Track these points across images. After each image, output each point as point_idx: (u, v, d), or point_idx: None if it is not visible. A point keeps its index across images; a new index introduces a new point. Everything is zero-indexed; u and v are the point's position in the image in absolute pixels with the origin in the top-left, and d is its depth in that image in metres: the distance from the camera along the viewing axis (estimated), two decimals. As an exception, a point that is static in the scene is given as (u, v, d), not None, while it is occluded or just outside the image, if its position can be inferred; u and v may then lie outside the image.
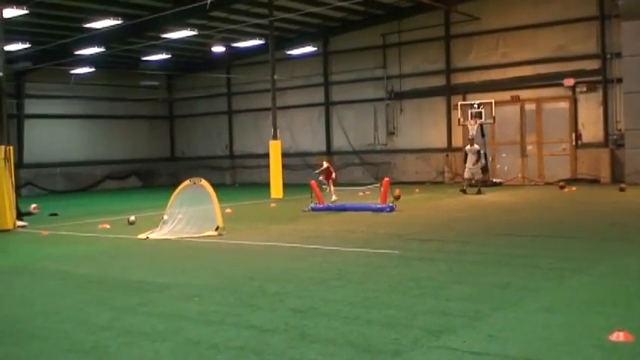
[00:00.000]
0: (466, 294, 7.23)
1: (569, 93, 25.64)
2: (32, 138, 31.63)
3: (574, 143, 25.57)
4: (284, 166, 24.74)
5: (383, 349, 5.37)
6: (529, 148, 26.65)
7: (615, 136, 24.53)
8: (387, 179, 17.90)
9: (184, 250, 11.67)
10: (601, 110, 25.01)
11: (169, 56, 30.00)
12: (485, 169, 25.64)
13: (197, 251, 11.45)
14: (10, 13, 19.14)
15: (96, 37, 24.45)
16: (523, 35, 26.48)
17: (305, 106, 32.81)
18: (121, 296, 7.88)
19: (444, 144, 28.56)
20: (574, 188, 22.47)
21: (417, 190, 24.17)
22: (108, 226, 15.40)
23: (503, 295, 7.16)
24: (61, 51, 26.24)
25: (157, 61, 30.98)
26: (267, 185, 24.38)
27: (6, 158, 15.95)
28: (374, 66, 30.38)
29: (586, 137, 25.43)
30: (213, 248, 11.74)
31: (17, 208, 16.65)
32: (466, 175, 22.34)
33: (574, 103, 25.61)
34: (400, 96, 29.81)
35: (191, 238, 12.85)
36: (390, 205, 16.85)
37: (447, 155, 28.10)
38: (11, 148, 16.49)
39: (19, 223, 16.19)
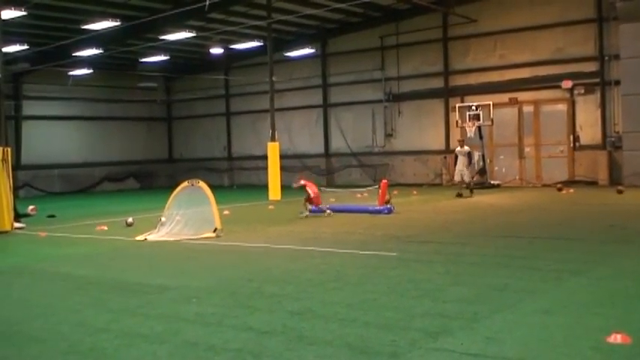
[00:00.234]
0: (464, 296, 7.23)
1: (567, 95, 25.63)
2: (30, 139, 31.59)
3: (572, 145, 25.57)
4: (282, 168, 24.72)
5: (380, 351, 5.37)
6: (527, 150, 26.65)
7: (613, 139, 24.53)
8: (385, 181, 17.91)
9: (182, 251, 11.66)
10: (599, 112, 25.02)
11: (167, 58, 29.97)
12: (483, 172, 25.67)
13: (195, 253, 11.43)
14: (8, 14, 19.14)
15: (94, 38, 24.39)
16: (521, 37, 26.47)
17: (303, 107, 32.79)
18: (119, 298, 7.87)
19: (442, 146, 28.55)
20: (572, 190, 22.50)
21: (415, 192, 24.17)
22: (106, 228, 15.37)
23: (502, 296, 7.16)
24: (59, 52, 26.20)
25: (155, 62, 30.96)
26: (265, 187, 24.34)
27: (4, 159, 15.92)
28: (372, 68, 30.37)
29: (584, 139, 25.44)
30: (211, 250, 11.73)
31: (15, 210, 16.59)
32: (456, 178, 22.06)
33: (572, 105, 25.63)
34: (398, 98, 29.81)
35: (189, 239, 12.83)
36: (388, 207, 16.84)
37: (445, 157, 28.04)
38: (9, 149, 16.44)
39: (17, 224, 16.14)
